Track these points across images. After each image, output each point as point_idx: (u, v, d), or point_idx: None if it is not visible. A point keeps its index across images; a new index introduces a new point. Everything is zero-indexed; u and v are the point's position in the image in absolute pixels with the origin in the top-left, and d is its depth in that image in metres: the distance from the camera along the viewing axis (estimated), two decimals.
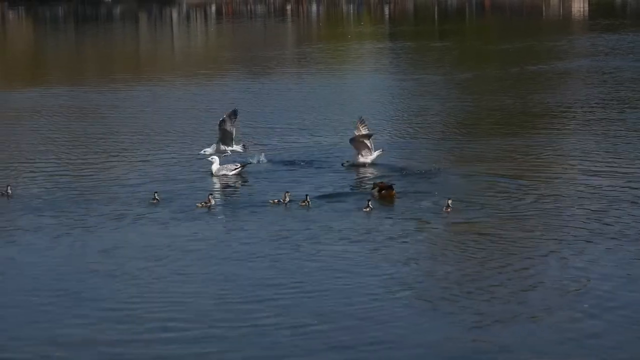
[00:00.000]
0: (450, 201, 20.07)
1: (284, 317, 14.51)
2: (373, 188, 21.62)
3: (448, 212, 19.86)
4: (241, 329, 14.08)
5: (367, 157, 24.92)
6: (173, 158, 26.37)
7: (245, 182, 23.50)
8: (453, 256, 17.35)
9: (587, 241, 17.89)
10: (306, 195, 21.05)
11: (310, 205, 20.73)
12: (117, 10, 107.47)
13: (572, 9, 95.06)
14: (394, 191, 21.21)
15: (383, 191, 21.29)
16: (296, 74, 46.88)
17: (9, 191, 21.98)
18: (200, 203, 20.95)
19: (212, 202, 20.87)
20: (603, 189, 21.70)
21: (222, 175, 23.86)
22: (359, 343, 13.53)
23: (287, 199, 20.94)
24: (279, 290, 15.69)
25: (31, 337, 14.07)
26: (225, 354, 13.35)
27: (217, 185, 23.28)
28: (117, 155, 27.06)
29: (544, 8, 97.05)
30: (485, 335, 13.78)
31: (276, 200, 21.00)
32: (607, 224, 18.91)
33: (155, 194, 21.38)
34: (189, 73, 48.63)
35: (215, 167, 24.05)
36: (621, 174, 23.16)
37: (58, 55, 64.97)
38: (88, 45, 71.38)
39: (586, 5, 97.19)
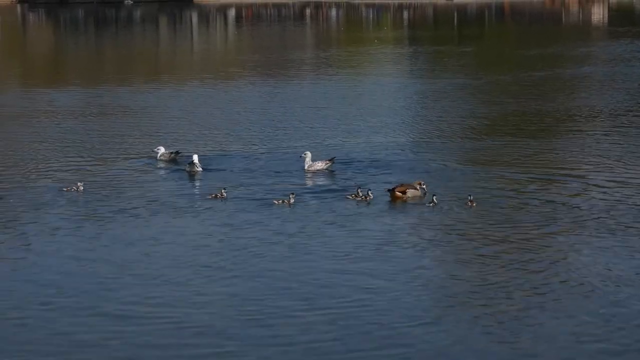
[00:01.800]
0: (471, 197, 20.80)
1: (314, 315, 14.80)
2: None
3: (473, 206, 20.48)
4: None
5: None
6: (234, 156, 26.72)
7: (315, 180, 23.69)
8: (478, 256, 17.49)
9: (614, 241, 18.06)
10: (368, 190, 21.40)
11: (371, 200, 21.11)
12: (137, 12, 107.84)
13: (592, 15, 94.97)
14: (397, 194, 21.43)
15: (389, 192, 21.67)
16: (319, 78, 46.96)
17: (81, 188, 22.39)
18: (278, 200, 21.23)
19: (292, 200, 21.09)
20: (626, 192, 21.89)
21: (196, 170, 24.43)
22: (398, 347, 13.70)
23: (361, 194, 21.29)
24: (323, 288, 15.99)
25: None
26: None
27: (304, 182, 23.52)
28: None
29: (563, 14, 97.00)
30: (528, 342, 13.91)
31: (355, 196, 21.31)
32: (632, 227, 19.03)
33: (223, 190, 21.77)
34: (210, 75, 48.77)
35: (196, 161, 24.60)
36: None
37: (80, 57, 65.23)
38: (109, 47, 71.63)
39: (606, 11, 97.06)
